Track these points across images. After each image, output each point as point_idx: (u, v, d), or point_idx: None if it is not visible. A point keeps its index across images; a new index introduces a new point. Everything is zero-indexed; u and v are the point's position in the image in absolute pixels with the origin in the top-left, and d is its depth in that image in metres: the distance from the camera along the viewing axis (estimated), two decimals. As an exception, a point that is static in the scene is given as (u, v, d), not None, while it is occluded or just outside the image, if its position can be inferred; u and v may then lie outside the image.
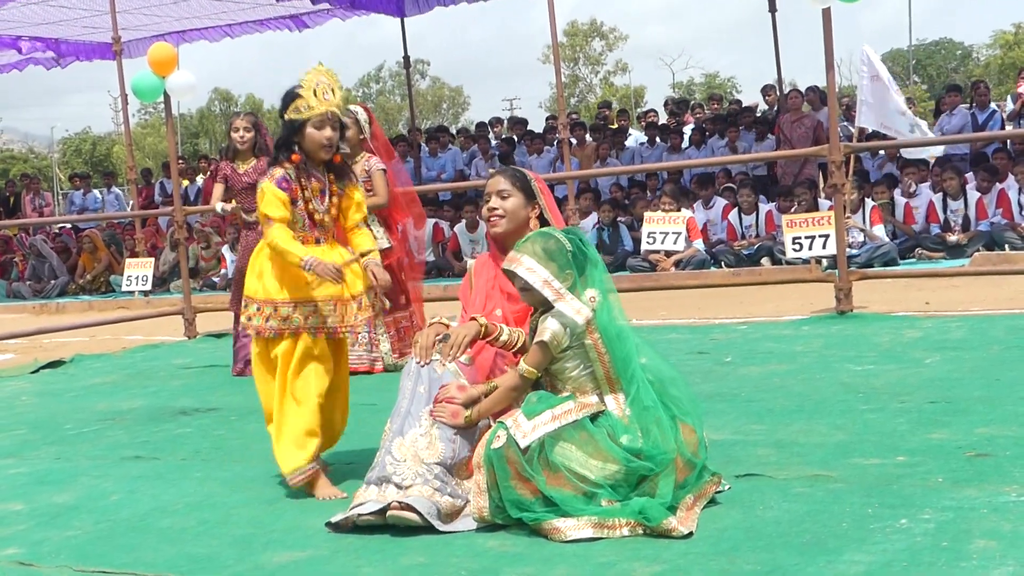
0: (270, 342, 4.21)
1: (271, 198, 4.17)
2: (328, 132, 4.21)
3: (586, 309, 3.48)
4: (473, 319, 3.74)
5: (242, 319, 4.29)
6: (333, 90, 4.24)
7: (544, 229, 3.72)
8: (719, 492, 3.51)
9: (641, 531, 3.24)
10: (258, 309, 4.21)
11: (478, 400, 3.59)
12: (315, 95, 4.18)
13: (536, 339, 3.51)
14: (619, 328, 3.50)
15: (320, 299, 4.17)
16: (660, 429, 3.40)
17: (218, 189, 7.58)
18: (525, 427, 3.39)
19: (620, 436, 3.39)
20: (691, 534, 3.19)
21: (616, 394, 3.48)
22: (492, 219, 3.98)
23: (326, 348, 4.21)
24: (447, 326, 3.83)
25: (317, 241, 4.25)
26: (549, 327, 3.47)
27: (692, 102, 20.53)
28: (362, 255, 4.30)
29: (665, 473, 3.33)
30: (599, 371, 3.48)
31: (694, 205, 13.38)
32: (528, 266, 3.53)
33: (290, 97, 4.23)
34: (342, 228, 4.40)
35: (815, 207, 11.34)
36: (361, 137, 6.99)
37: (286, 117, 4.23)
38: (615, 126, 17.34)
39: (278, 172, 4.21)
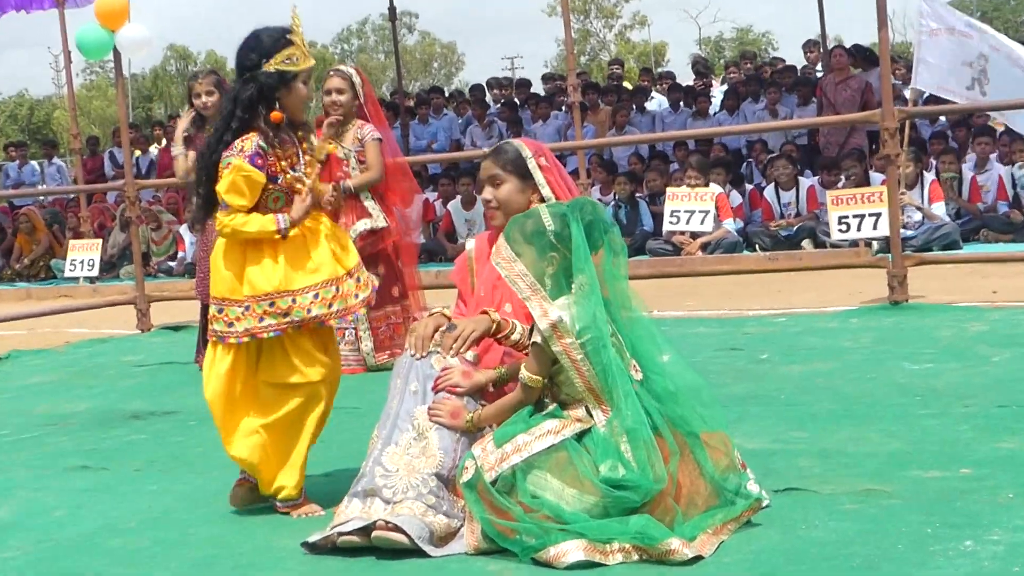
0: (245, 349, 4.02)
1: (239, 182, 3.90)
2: (309, 90, 4.10)
3: (555, 310, 3.42)
4: (484, 312, 3.72)
5: (216, 327, 4.01)
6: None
7: (530, 209, 3.67)
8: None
9: (637, 557, 3.20)
10: (247, 309, 3.96)
11: (484, 388, 3.56)
12: (304, 44, 4.02)
13: (531, 340, 3.50)
14: (599, 332, 3.40)
15: (320, 282, 3.99)
16: (649, 453, 3.33)
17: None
18: (492, 458, 3.39)
19: (601, 462, 3.33)
20: (700, 558, 3.17)
21: (604, 407, 3.42)
22: (488, 212, 3.98)
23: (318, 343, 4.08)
24: (448, 317, 3.82)
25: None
26: (539, 326, 3.45)
27: (724, 61, 20.51)
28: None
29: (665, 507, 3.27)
30: (577, 381, 3.42)
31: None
32: (505, 256, 3.51)
33: (278, 44, 3.97)
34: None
35: (865, 182, 11.31)
36: (357, 102, 7.03)
37: (274, 68, 3.96)
38: (631, 87, 17.26)
39: (248, 144, 3.93)
